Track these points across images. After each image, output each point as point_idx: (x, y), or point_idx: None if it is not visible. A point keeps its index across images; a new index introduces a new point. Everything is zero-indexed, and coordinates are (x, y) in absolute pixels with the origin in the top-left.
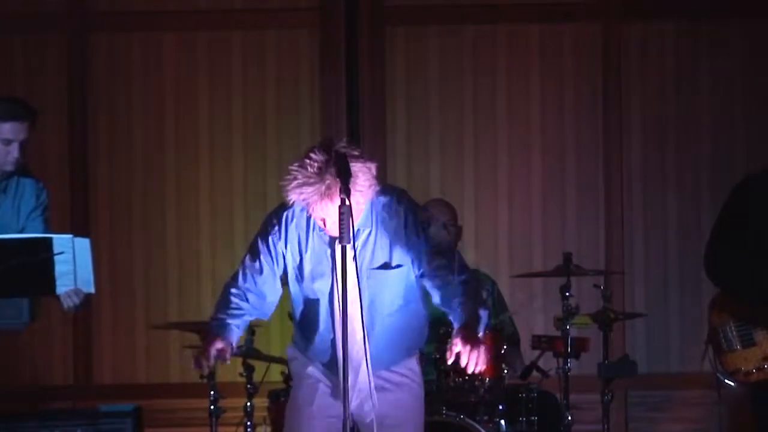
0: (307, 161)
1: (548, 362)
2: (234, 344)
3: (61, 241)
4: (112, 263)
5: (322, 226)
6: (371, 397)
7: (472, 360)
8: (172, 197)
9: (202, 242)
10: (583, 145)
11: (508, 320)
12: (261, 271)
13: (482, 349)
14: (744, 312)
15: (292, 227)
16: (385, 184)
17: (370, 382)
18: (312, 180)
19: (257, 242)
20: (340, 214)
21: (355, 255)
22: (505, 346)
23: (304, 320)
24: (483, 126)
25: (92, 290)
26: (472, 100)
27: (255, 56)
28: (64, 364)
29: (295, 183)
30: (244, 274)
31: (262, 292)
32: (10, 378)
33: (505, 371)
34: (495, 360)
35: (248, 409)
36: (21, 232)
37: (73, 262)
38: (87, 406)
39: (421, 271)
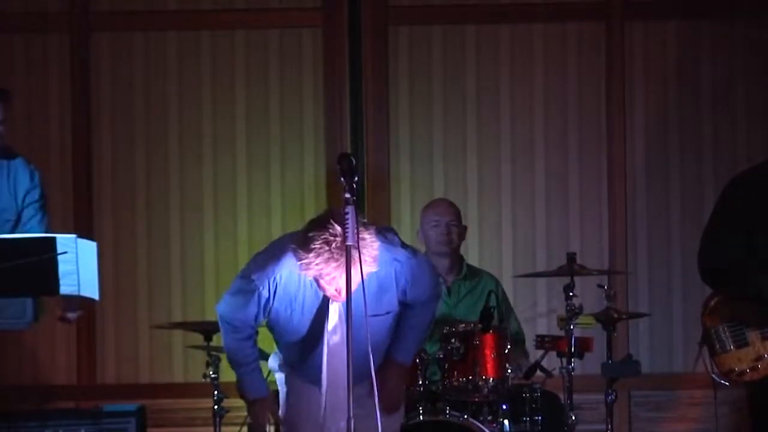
0: (330, 234)
1: (552, 362)
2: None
3: (64, 240)
4: (116, 263)
5: (333, 293)
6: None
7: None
8: (175, 197)
9: (206, 242)
10: (587, 145)
11: (513, 319)
12: (254, 316)
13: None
14: (736, 313)
15: (280, 290)
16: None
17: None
18: (336, 255)
19: (245, 294)
20: (345, 214)
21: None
22: (509, 346)
23: (290, 349)
24: (486, 125)
25: (96, 297)
26: (476, 100)
27: (258, 56)
28: (67, 363)
29: (318, 258)
30: (238, 323)
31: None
32: (14, 377)
33: (509, 371)
34: (499, 360)
35: None
36: (19, 215)
37: (77, 262)
38: (90, 405)
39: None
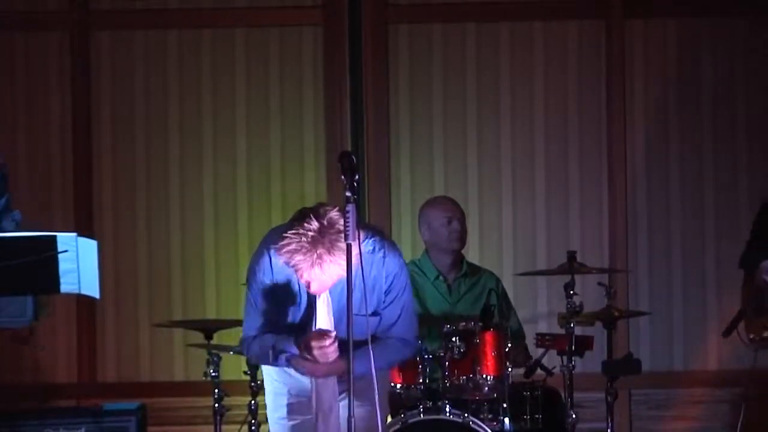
0: (301, 230)
1: (552, 360)
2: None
3: (65, 239)
4: (116, 261)
5: (307, 287)
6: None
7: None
8: (175, 195)
9: (206, 240)
10: (587, 143)
11: (514, 317)
12: (274, 309)
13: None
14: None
15: (277, 272)
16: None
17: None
18: (305, 249)
19: (255, 292)
20: (345, 212)
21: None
22: (509, 345)
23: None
24: (486, 124)
25: (97, 296)
26: (476, 98)
27: (259, 54)
28: (68, 362)
29: (288, 249)
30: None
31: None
32: (14, 376)
33: (509, 369)
34: (499, 358)
35: (252, 407)
36: None
37: (77, 261)
38: (91, 404)
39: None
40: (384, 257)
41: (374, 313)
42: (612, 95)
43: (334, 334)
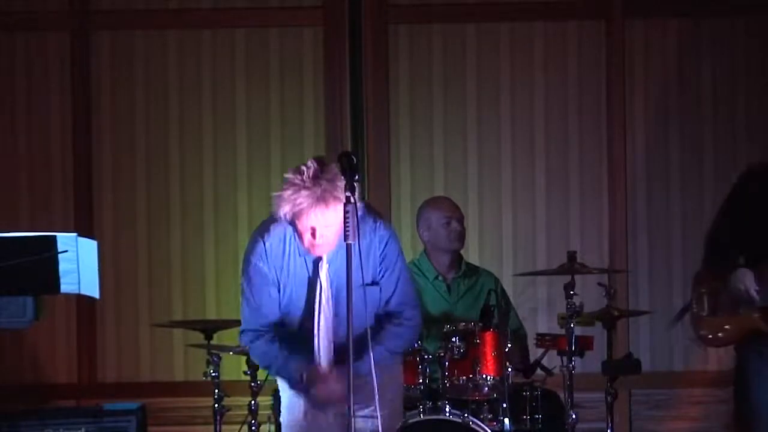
0: (303, 167)
1: (552, 360)
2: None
3: (65, 239)
4: (116, 262)
5: (310, 238)
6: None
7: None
8: (176, 195)
9: (206, 240)
10: (587, 144)
11: (513, 316)
12: (269, 301)
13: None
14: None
15: (272, 258)
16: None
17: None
18: (308, 184)
19: (252, 279)
20: (345, 212)
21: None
22: (509, 345)
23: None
24: (487, 124)
25: (97, 296)
26: (476, 98)
27: (258, 55)
28: (68, 362)
29: (290, 188)
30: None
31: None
32: (14, 376)
33: (509, 369)
34: (499, 358)
35: (252, 408)
36: None
37: (77, 261)
38: (91, 404)
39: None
40: (375, 222)
41: (373, 283)
42: (612, 95)
43: (335, 374)
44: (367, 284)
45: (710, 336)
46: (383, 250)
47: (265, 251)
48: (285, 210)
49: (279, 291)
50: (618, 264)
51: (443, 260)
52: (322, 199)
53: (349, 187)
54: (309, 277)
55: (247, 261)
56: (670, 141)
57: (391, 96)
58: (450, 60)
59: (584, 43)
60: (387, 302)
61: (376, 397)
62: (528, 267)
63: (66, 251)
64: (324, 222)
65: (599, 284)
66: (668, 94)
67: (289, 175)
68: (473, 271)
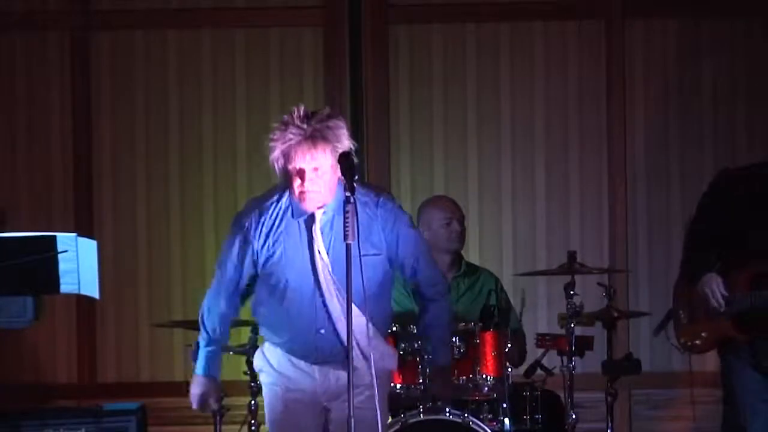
0: (294, 109)
1: (552, 360)
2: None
3: (64, 239)
4: (116, 262)
5: (299, 183)
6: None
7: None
8: (175, 195)
9: (206, 240)
10: (587, 143)
11: (513, 316)
12: (239, 259)
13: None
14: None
15: (265, 225)
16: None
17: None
18: (297, 125)
19: (231, 233)
20: (345, 211)
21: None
22: (509, 345)
23: (278, 317)
24: (486, 124)
25: (97, 296)
26: (476, 98)
27: (258, 55)
28: (68, 362)
29: (280, 128)
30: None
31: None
32: (14, 376)
33: (509, 370)
34: (499, 359)
35: (252, 408)
36: None
37: (77, 261)
38: (91, 404)
39: (416, 277)
40: (378, 198)
41: (379, 254)
42: (612, 95)
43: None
44: (369, 255)
45: (689, 343)
46: (386, 216)
47: (260, 222)
48: (276, 154)
49: (256, 257)
50: (618, 264)
51: (443, 260)
52: (310, 137)
53: (349, 188)
54: (306, 240)
55: (238, 224)
56: (670, 141)
57: (391, 96)
58: (450, 60)
59: (584, 43)
60: (415, 274)
61: (375, 389)
62: (528, 267)
63: (66, 251)
64: (312, 163)
65: (599, 284)
66: (668, 94)
67: (279, 120)
68: (473, 270)
